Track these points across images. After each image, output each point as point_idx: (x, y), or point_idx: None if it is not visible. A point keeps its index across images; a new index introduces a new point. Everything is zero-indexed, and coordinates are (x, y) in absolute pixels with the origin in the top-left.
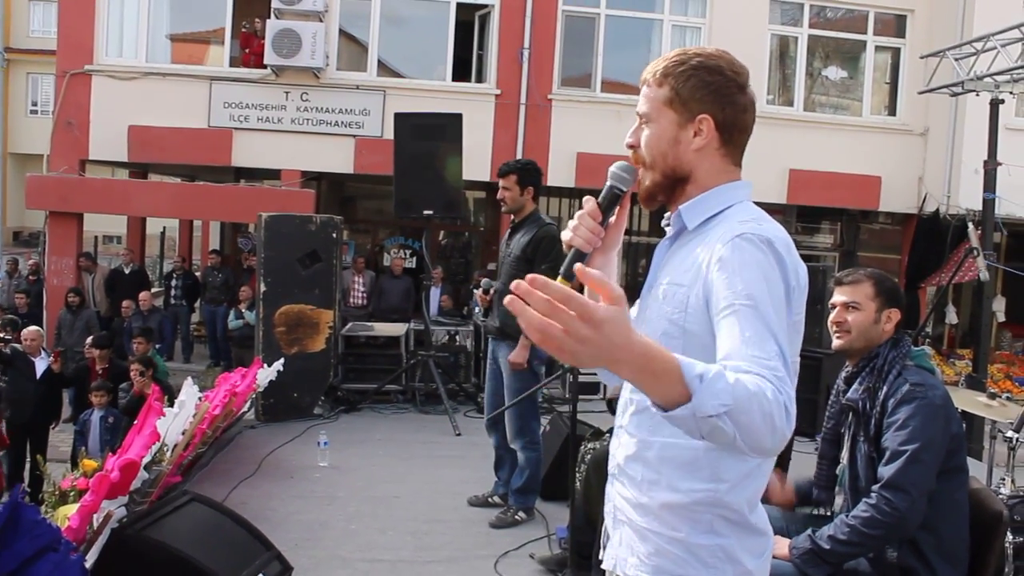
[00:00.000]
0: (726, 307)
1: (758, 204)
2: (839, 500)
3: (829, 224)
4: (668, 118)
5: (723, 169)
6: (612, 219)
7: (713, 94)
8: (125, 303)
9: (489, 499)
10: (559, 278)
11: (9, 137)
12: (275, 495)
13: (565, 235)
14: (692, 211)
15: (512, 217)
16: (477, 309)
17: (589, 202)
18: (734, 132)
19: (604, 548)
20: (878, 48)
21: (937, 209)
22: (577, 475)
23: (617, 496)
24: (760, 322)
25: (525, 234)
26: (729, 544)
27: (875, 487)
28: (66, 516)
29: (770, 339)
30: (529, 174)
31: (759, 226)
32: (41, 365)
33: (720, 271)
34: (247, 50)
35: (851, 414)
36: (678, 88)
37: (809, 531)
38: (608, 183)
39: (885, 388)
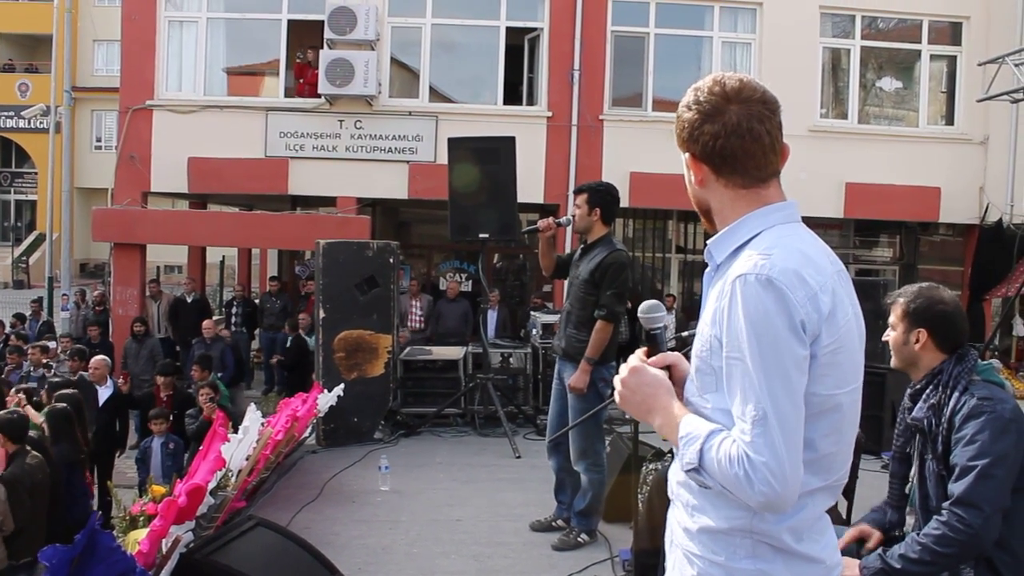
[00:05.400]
0: (725, 357)
1: (815, 220)
2: (910, 520)
3: (888, 237)
4: (683, 161)
5: (737, 197)
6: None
7: (686, 131)
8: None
9: (552, 523)
10: None
11: (75, 172)
12: (337, 519)
13: None
14: (718, 246)
15: (582, 239)
16: (535, 331)
17: (637, 354)
18: (716, 160)
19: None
20: (933, 57)
21: (1000, 219)
22: (639, 497)
23: (673, 520)
24: (746, 378)
25: (594, 258)
26: (773, 570)
27: (946, 504)
28: (136, 541)
29: (751, 399)
30: (599, 196)
31: (764, 260)
32: (104, 394)
33: (722, 316)
34: (301, 80)
35: (917, 433)
36: (676, 133)
37: (879, 551)
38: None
39: (951, 404)
